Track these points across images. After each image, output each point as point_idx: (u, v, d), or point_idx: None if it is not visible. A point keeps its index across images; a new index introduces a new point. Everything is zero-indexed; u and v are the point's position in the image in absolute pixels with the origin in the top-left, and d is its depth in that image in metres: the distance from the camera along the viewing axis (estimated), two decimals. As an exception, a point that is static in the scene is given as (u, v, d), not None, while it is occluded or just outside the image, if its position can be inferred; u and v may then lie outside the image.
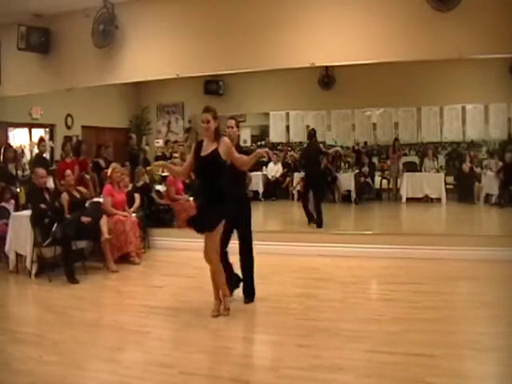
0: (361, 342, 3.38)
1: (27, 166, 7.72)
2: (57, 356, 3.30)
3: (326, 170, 9.78)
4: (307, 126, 10.63)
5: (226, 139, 3.93)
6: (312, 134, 7.43)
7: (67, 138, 8.07)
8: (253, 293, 4.37)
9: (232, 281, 4.32)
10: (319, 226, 7.00)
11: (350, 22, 5.87)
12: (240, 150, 4.25)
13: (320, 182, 7.57)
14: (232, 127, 4.37)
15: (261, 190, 10.48)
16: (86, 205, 5.92)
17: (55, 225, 5.22)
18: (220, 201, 3.86)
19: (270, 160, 10.19)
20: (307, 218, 7.25)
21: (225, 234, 4.04)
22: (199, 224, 3.92)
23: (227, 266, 4.25)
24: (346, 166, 10.35)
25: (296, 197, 9.78)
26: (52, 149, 8.43)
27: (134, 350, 3.45)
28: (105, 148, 7.88)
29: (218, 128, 3.92)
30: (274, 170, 10.64)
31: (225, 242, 4.18)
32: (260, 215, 9.61)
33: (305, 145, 7.94)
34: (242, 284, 4.42)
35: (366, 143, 10.82)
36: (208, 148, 3.89)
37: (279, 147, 11.12)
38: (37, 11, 6.98)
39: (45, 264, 5.39)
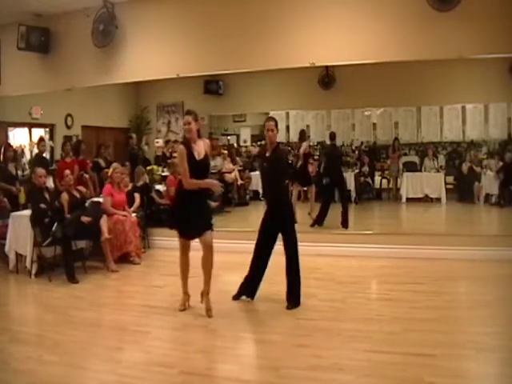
0: (361, 342, 3.38)
1: (27, 166, 7.72)
2: (57, 356, 3.30)
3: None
4: (307, 126, 10.65)
5: (205, 140, 4.13)
6: (333, 136, 7.55)
7: (67, 138, 8.07)
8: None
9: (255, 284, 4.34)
10: (320, 223, 7.06)
11: (350, 21, 5.87)
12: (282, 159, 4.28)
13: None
14: (272, 130, 4.16)
15: (261, 189, 10.42)
16: (86, 204, 5.92)
17: (55, 225, 5.22)
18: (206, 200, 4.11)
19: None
20: (321, 218, 7.14)
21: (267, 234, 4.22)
22: (192, 231, 3.99)
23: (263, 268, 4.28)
24: (346, 165, 10.33)
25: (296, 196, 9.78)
26: (52, 148, 8.43)
27: (134, 350, 3.44)
28: (105, 148, 7.87)
29: (199, 130, 4.03)
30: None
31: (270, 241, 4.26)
32: (260, 215, 9.57)
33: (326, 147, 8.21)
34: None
35: (363, 143, 10.82)
36: (200, 151, 3.97)
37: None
38: (37, 11, 6.98)
39: (45, 264, 5.39)
